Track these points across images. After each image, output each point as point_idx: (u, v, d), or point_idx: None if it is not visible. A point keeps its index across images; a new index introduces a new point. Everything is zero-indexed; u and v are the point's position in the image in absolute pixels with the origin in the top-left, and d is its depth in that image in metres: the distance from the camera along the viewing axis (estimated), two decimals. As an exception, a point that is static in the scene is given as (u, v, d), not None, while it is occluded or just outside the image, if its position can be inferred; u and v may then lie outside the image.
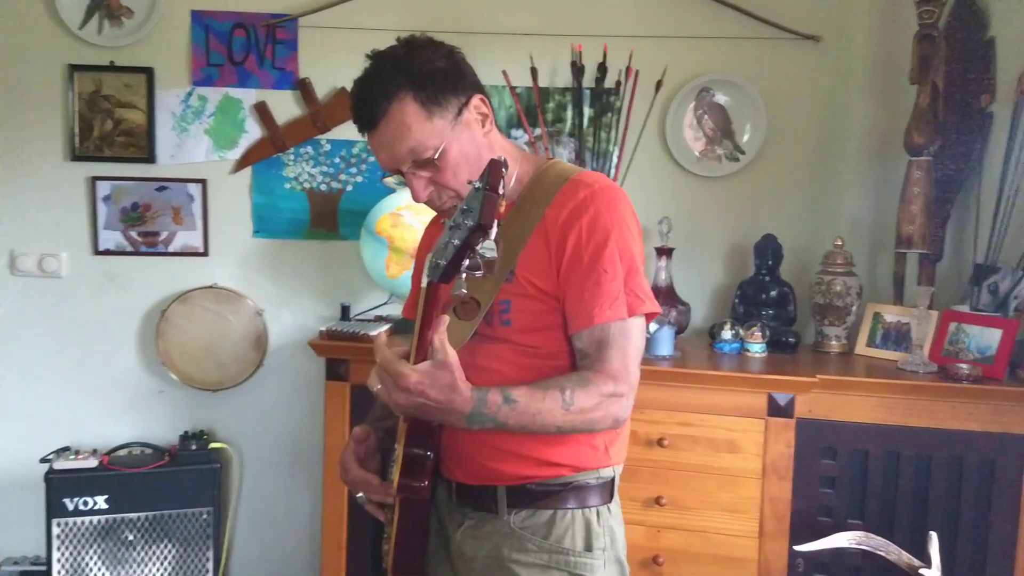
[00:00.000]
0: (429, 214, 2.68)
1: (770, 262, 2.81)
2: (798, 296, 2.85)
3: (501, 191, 1.12)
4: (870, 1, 2.94)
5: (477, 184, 1.10)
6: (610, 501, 1.55)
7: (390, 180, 1.51)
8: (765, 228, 2.89)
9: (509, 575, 1.50)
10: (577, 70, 2.78)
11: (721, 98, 2.98)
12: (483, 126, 1.50)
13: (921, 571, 2.04)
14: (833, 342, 2.74)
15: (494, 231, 1.09)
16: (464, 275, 1.14)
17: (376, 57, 1.48)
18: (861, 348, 2.73)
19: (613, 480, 1.56)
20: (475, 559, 1.53)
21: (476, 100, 1.49)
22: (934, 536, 2.11)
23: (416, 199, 1.51)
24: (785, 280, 2.84)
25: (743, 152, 2.99)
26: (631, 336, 1.45)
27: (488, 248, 1.10)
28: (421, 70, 1.43)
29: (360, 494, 1.57)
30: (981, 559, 2.35)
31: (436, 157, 1.44)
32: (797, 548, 2.22)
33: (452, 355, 1.29)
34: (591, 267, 1.44)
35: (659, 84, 2.84)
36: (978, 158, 2.72)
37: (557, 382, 1.40)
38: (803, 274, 2.93)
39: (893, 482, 2.41)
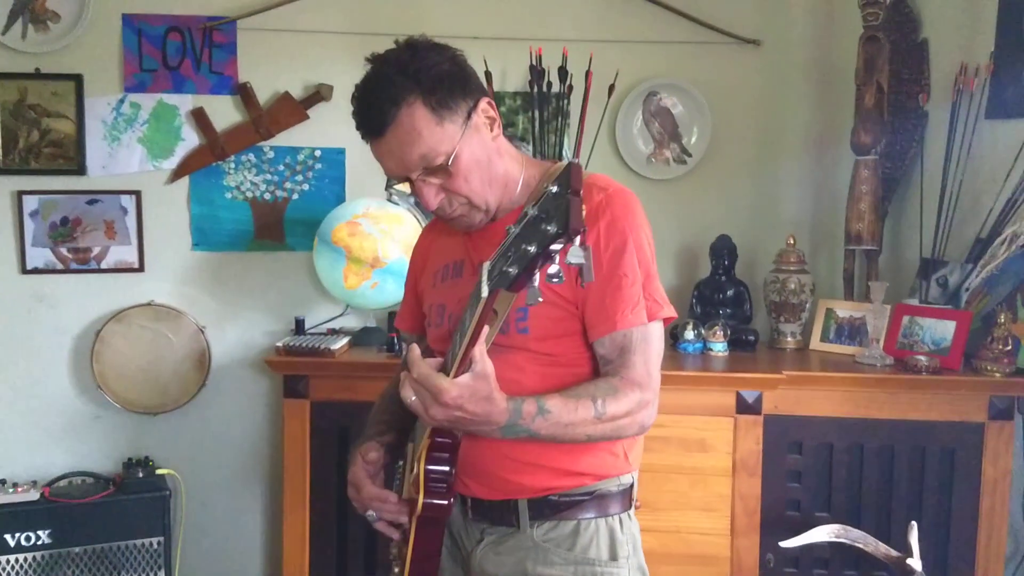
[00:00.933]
0: (389, 223, 2.66)
1: (726, 262, 2.84)
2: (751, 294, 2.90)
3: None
4: (807, 6, 3.01)
5: (554, 189, 1.03)
6: (630, 508, 1.54)
7: (401, 187, 1.43)
8: (712, 229, 2.93)
9: (535, 590, 1.46)
10: (538, 73, 2.75)
11: (668, 102, 3.01)
12: (491, 130, 1.46)
13: (908, 561, 2.09)
14: (789, 338, 2.80)
15: (578, 237, 1.03)
16: (536, 283, 1.07)
17: (378, 61, 1.42)
18: (815, 343, 2.79)
19: (632, 486, 1.54)
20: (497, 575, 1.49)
21: (484, 104, 1.44)
22: (914, 526, 2.17)
23: (427, 207, 1.45)
24: (740, 279, 2.88)
25: (690, 155, 3.02)
26: (652, 341, 1.44)
27: (576, 255, 1.04)
28: (428, 73, 1.38)
29: (371, 513, 1.51)
30: (944, 544, 2.43)
31: (449, 163, 1.39)
32: (782, 544, 2.25)
33: (490, 366, 1.25)
34: (611, 272, 1.41)
35: (612, 88, 2.84)
36: (916, 156, 2.82)
37: (588, 391, 1.37)
38: (751, 273, 2.98)
39: (858, 473, 2.48)
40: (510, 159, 1.51)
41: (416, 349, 1.26)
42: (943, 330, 2.51)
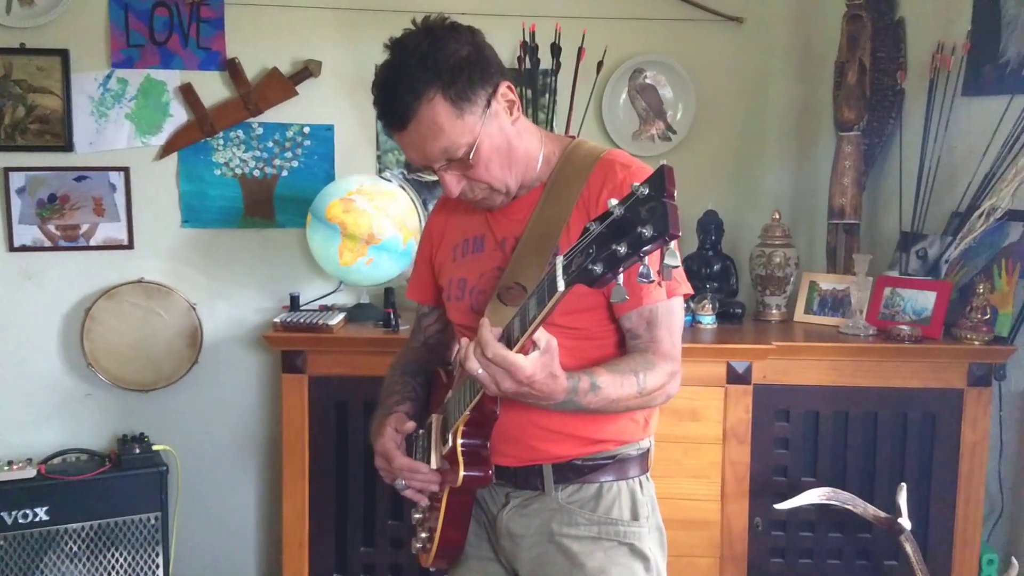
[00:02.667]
0: (383, 199, 2.68)
1: (713, 237, 2.90)
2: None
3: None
4: (788, -17, 3.07)
5: (645, 190, 1.03)
6: (648, 471, 1.60)
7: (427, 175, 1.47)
8: (697, 205, 2.98)
9: (560, 550, 1.53)
10: (531, 50, 2.77)
11: (653, 79, 3.05)
12: (511, 114, 1.48)
13: (899, 520, 2.18)
14: (774, 311, 2.88)
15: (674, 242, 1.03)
16: (620, 280, 1.07)
17: (397, 49, 1.43)
18: (799, 315, 2.87)
19: (649, 450, 1.61)
20: (524, 536, 1.55)
21: (503, 88, 1.46)
22: (903, 487, 2.26)
23: (449, 194, 1.49)
24: (726, 254, 2.95)
25: (675, 132, 3.08)
26: (675, 316, 1.50)
27: (674, 257, 1.03)
28: (448, 63, 1.39)
29: (400, 481, 1.54)
30: (925, 506, 2.53)
31: (470, 156, 1.42)
32: (777, 506, 2.33)
33: (554, 341, 1.28)
34: None
35: (600, 65, 2.87)
36: (893, 133, 2.90)
37: (630, 366, 1.43)
38: (734, 247, 3.04)
39: (843, 440, 2.56)
40: (529, 137, 1.53)
41: (491, 328, 1.27)
42: (924, 300, 2.60)
